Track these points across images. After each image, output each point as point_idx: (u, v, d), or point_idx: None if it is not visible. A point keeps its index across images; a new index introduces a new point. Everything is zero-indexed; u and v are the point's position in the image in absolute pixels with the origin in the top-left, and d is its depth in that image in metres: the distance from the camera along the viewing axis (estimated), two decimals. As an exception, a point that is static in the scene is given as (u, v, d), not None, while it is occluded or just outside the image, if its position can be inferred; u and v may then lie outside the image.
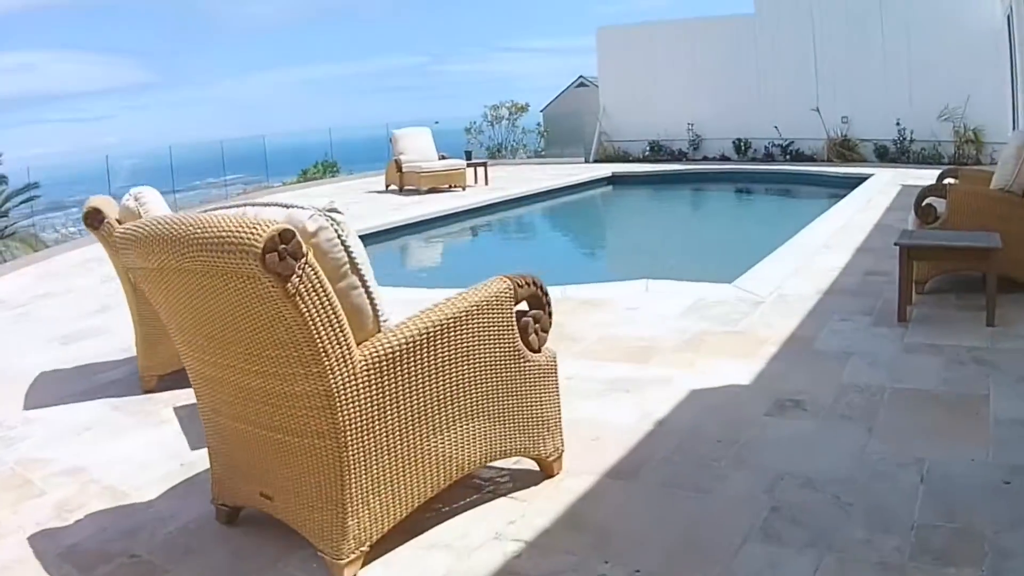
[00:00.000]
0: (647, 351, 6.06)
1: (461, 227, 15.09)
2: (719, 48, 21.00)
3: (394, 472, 3.39)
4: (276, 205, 3.37)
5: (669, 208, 17.80)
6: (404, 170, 17.97)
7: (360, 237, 3.54)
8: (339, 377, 3.20)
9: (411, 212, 14.77)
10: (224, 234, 3.04)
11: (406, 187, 17.95)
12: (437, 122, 25.74)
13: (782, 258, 9.25)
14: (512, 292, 3.83)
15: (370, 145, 24.38)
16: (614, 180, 19.65)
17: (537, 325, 3.98)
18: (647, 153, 21.58)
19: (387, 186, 18.70)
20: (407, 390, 3.42)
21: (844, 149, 18.88)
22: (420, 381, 3.47)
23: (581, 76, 27.30)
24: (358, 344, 3.32)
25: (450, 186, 17.66)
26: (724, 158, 20.63)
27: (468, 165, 18.45)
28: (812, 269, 8.57)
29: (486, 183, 18.40)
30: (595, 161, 22.09)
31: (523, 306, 3.96)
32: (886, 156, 18.53)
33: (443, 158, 18.47)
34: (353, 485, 3.27)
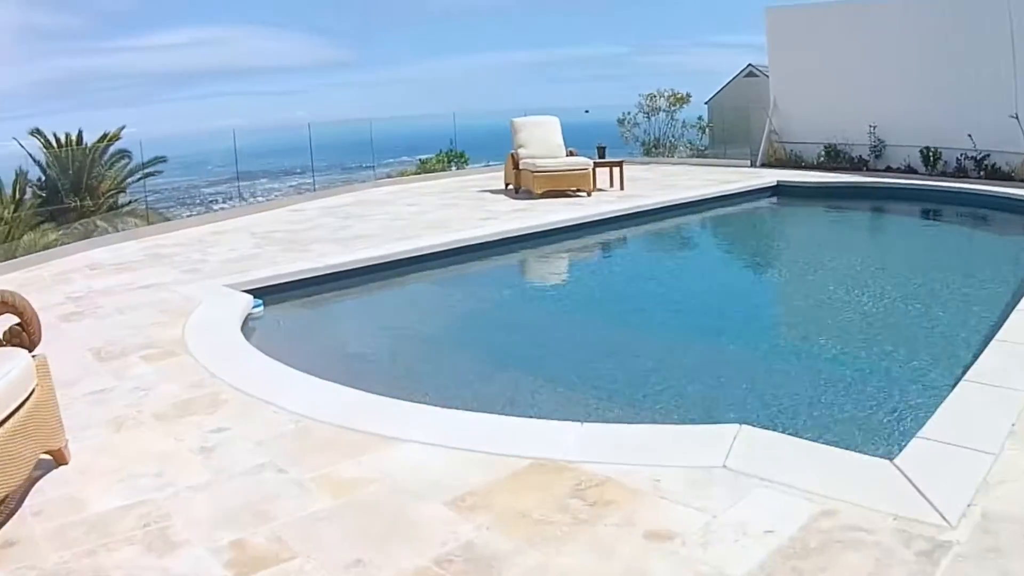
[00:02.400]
0: None
1: (531, 255, 10.90)
2: (907, 33, 15.92)
3: None
4: None
5: (836, 239, 12.68)
6: (520, 167, 14.21)
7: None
8: None
9: (488, 228, 10.94)
10: None
11: (523, 188, 14.19)
12: (587, 111, 21.79)
13: (984, 381, 4.91)
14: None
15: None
16: (779, 191, 15.10)
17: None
18: (822, 158, 16.85)
19: (506, 185, 15.01)
20: None
21: (1047, 167, 13.70)
22: None
23: (750, 64, 22.59)
24: None
25: (575, 189, 13.77)
26: (909, 169, 15.56)
27: (598, 164, 14.45)
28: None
29: (620, 187, 14.39)
30: (762, 165, 17.55)
31: None
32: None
33: (572, 154, 14.59)
34: None
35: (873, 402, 5.24)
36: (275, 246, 10.38)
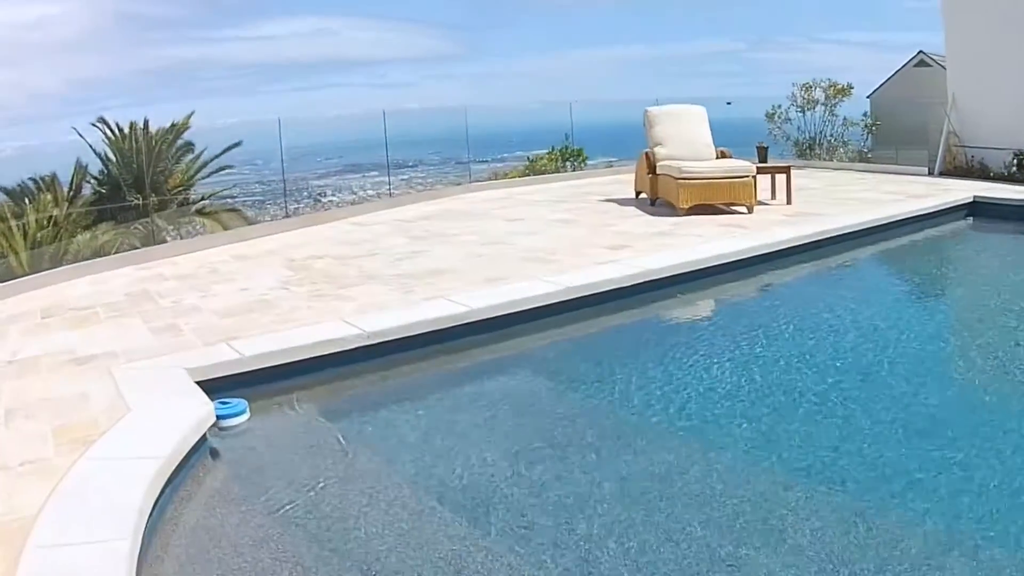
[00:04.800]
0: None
1: (693, 312, 6.95)
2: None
3: None
4: None
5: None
6: (658, 172, 10.32)
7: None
8: None
9: (619, 268, 6.99)
10: None
11: (660, 198, 10.32)
12: (729, 102, 17.60)
13: None
14: None
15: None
16: (976, 209, 10.59)
17: None
18: (1013, 168, 12.47)
19: (637, 193, 11.17)
20: None
21: None
22: None
23: (921, 51, 18.01)
24: None
25: (728, 204, 9.83)
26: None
27: (761, 170, 10.44)
28: None
29: (787, 200, 10.38)
30: (941, 174, 13.32)
31: None
32: None
33: (723, 156, 10.65)
34: None
35: None
36: (306, 284, 6.78)
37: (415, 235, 8.96)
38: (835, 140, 16.54)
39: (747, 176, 9.70)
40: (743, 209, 9.66)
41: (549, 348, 5.79)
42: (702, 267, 7.05)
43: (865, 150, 16.81)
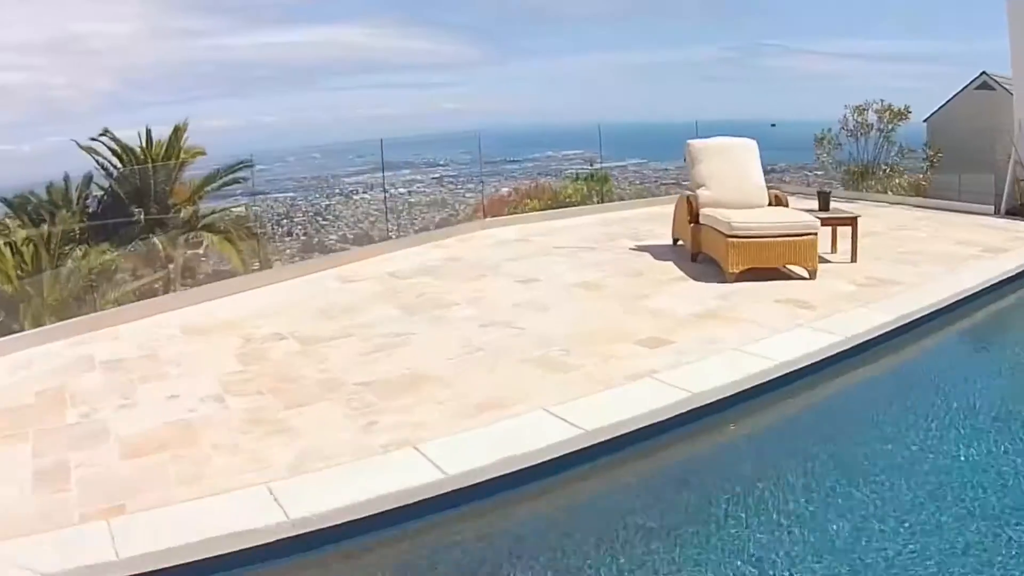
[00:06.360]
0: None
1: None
2: None
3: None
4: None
5: None
6: (702, 220, 8.65)
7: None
8: None
9: (648, 386, 5.31)
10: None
11: (703, 252, 8.67)
12: (774, 124, 15.69)
13: None
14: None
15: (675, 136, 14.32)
16: None
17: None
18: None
19: (675, 240, 9.58)
20: None
21: None
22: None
23: (984, 72, 16.22)
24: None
25: (783, 266, 8.15)
26: None
27: (823, 222, 8.52)
28: None
29: (852, 258, 8.67)
30: (1008, 212, 11.61)
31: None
32: None
33: (777, 201, 8.99)
34: None
35: None
36: (249, 394, 5.15)
37: (405, 302, 7.35)
38: (893, 170, 14.73)
39: (812, 234, 7.97)
40: (806, 274, 7.98)
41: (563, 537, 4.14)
42: (764, 380, 5.39)
43: (923, 180, 15.05)
